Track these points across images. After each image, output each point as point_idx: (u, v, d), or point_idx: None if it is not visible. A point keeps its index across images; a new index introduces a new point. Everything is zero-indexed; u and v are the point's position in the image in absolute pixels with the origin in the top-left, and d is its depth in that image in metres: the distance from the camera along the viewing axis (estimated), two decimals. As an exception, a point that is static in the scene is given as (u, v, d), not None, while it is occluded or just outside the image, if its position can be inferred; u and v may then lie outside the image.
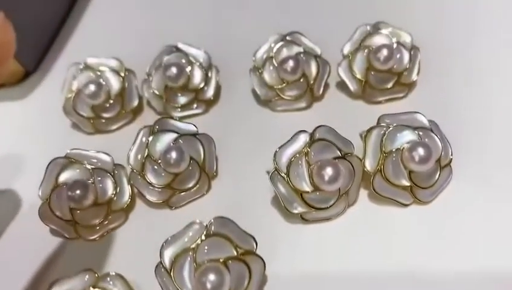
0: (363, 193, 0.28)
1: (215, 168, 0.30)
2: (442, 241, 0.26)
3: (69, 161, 0.28)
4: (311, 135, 0.27)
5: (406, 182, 0.27)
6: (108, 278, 0.23)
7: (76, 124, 0.33)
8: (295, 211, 0.27)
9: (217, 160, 0.30)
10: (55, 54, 0.38)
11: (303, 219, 0.27)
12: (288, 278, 0.26)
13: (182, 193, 0.29)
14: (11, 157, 0.32)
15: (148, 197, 0.28)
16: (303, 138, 0.27)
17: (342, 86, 0.33)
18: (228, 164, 0.30)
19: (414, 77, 0.31)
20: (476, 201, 0.27)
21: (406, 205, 0.27)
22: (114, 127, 0.33)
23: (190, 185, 0.28)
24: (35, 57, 0.37)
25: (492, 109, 0.31)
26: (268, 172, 0.27)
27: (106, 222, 0.28)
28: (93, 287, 0.23)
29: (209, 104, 0.33)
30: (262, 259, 0.24)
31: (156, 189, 0.28)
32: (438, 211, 0.27)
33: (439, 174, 0.27)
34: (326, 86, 0.33)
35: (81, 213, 0.27)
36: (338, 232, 0.27)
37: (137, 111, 0.34)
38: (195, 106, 0.33)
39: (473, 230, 0.26)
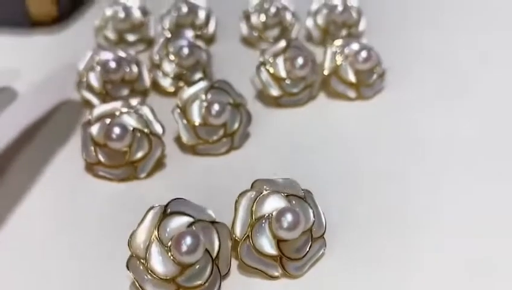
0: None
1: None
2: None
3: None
4: (287, 44, 0.37)
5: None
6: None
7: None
8: (274, 94, 0.37)
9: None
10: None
11: (278, 104, 0.37)
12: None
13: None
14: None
15: (162, 82, 0.38)
16: (282, 44, 0.37)
17: (306, 37, 0.45)
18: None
19: (361, 28, 0.44)
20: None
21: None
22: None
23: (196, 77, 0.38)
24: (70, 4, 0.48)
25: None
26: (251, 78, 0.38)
27: (129, 97, 0.36)
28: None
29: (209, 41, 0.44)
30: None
31: (169, 78, 0.38)
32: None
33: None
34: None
35: (112, 87, 0.36)
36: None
37: (151, 42, 0.44)
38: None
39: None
